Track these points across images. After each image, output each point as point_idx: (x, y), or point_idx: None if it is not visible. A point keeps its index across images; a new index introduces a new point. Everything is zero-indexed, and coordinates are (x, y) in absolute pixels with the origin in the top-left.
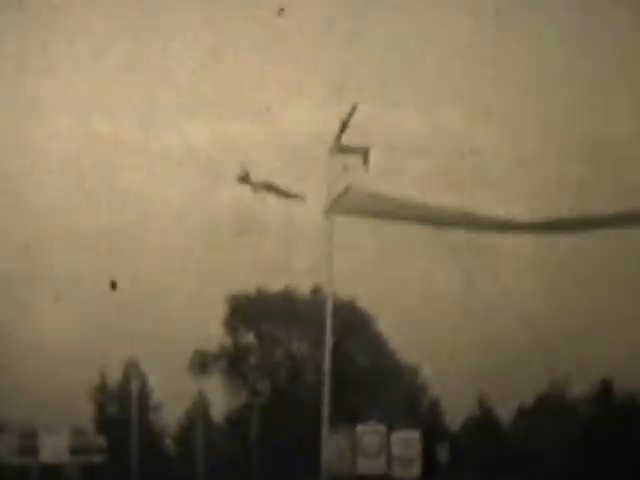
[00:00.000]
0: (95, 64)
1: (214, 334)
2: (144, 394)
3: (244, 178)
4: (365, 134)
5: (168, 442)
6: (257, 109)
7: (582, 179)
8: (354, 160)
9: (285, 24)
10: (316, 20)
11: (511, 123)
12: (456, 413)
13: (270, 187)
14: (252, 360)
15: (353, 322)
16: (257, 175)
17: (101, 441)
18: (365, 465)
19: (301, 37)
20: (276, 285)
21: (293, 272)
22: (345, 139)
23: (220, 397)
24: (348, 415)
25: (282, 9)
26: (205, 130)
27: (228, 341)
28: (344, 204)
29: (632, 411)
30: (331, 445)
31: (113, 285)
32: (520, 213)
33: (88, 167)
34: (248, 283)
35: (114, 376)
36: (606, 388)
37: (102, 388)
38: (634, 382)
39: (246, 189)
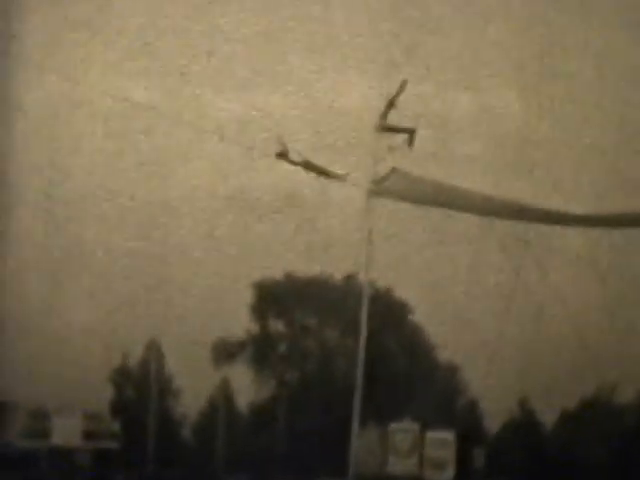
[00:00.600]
0: (127, 31)
1: (241, 320)
2: (164, 379)
3: (282, 154)
4: (413, 114)
5: (187, 430)
6: (301, 81)
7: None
8: (400, 140)
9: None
10: None
11: (569, 114)
12: (495, 415)
13: (309, 165)
14: (281, 349)
15: (390, 313)
16: (298, 151)
17: (116, 426)
18: (395, 465)
19: (349, 11)
20: (310, 270)
21: (329, 257)
22: (392, 118)
23: (245, 386)
24: (380, 411)
25: None
26: (244, 102)
27: (255, 328)
28: (388, 187)
29: None
30: (361, 442)
31: None
32: (573, 206)
33: (117, 134)
34: (280, 266)
35: (134, 358)
36: None
37: (120, 370)
38: None
39: (282, 165)
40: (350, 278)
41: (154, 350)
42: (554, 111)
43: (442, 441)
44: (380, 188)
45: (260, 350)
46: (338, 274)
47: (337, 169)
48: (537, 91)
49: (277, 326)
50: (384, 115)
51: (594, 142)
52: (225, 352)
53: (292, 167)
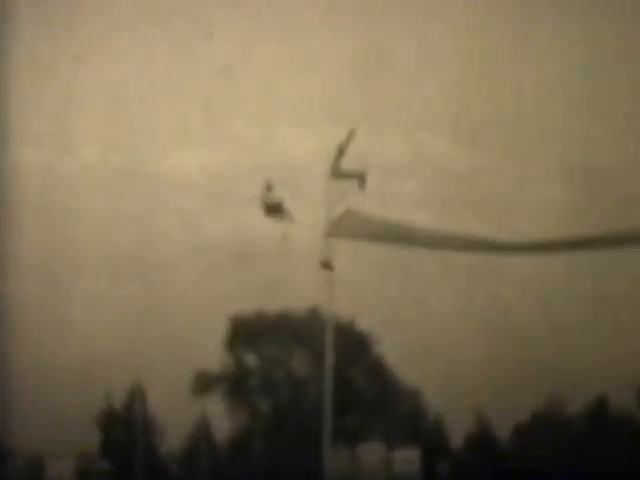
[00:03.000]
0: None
1: (215, 356)
2: (147, 418)
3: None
4: (361, 159)
5: (173, 465)
6: (256, 135)
7: (572, 200)
8: (351, 184)
9: (284, 52)
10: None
11: (500, 146)
12: (456, 431)
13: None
14: (254, 381)
15: (353, 343)
16: (252, 199)
17: (105, 465)
18: None
19: (298, 65)
20: (276, 307)
21: (293, 294)
22: (342, 164)
23: (222, 419)
24: (349, 435)
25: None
26: (203, 156)
27: (230, 362)
28: (342, 227)
29: (627, 427)
30: (332, 464)
31: None
32: (515, 236)
33: (86, 193)
34: (248, 305)
35: (118, 400)
36: (601, 404)
37: (106, 412)
38: (629, 398)
39: (243, 215)
40: (314, 313)
41: (138, 392)
42: (488, 147)
43: (408, 459)
44: (336, 229)
45: (234, 383)
46: (303, 310)
47: (296, 214)
48: (469, 129)
49: (249, 360)
50: (335, 162)
51: (526, 174)
52: (203, 387)
53: (252, 216)
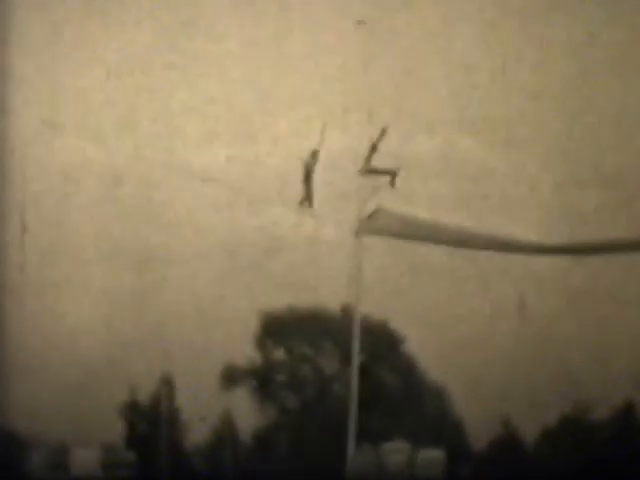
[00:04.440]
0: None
1: (245, 351)
2: (173, 411)
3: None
4: (394, 157)
5: (197, 460)
6: (289, 131)
7: (599, 205)
8: (383, 182)
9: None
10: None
11: (529, 149)
12: (481, 434)
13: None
14: (281, 377)
15: (382, 342)
16: (290, 192)
17: (132, 456)
18: None
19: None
20: (306, 303)
21: (323, 291)
22: (375, 161)
23: (249, 415)
24: (375, 433)
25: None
26: (236, 150)
27: (258, 358)
28: (373, 225)
29: None
30: (356, 462)
31: None
32: (544, 237)
33: (114, 182)
34: (279, 301)
35: (145, 392)
36: (629, 409)
37: (131, 404)
38: None
39: (276, 209)
40: (345, 311)
41: (167, 384)
42: (518, 150)
43: (433, 459)
44: (367, 226)
45: (262, 379)
46: (333, 307)
47: (326, 210)
48: (501, 132)
49: (278, 355)
50: (368, 159)
51: (555, 178)
52: (230, 382)
53: (285, 211)
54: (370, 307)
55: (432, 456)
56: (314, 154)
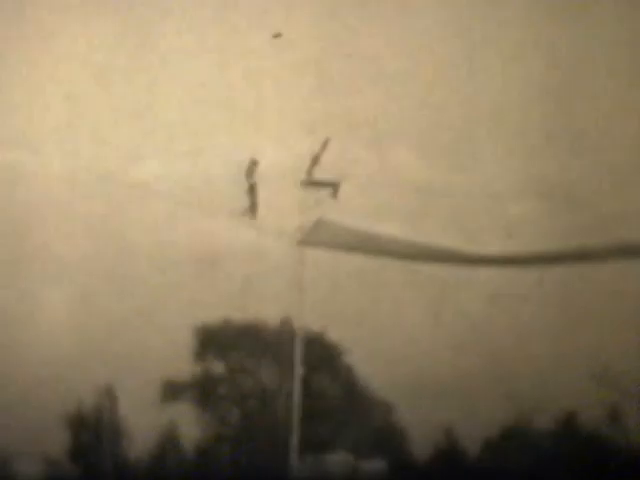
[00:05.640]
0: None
1: (185, 364)
2: (116, 423)
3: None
4: (335, 169)
5: (141, 471)
6: (230, 143)
7: (541, 216)
8: (324, 194)
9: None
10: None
11: (468, 162)
12: (423, 444)
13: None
14: (222, 390)
15: (323, 354)
16: (229, 203)
17: (74, 469)
18: None
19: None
20: (247, 316)
21: (264, 304)
22: (317, 173)
23: (191, 426)
24: (318, 445)
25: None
26: (175, 161)
27: (199, 371)
28: (315, 236)
29: (596, 445)
30: (299, 474)
31: None
32: (484, 248)
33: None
34: (218, 313)
35: (89, 405)
36: (570, 421)
37: (74, 416)
38: (599, 416)
39: (216, 221)
40: (285, 323)
41: (109, 396)
42: (461, 162)
43: (376, 470)
44: (309, 238)
45: (203, 392)
46: (274, 319)
47: (268, 222)
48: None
49: (219, 368)
50: (309, 171)
51: (498, 189)
52: (171, 395)
53: (225, 223)
54: (311, 318)
55: (375, 467)
56: (253, 163)
